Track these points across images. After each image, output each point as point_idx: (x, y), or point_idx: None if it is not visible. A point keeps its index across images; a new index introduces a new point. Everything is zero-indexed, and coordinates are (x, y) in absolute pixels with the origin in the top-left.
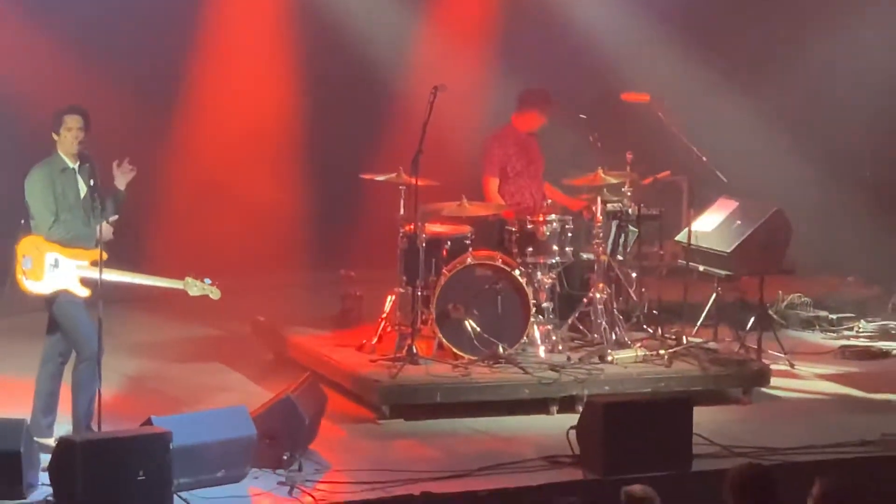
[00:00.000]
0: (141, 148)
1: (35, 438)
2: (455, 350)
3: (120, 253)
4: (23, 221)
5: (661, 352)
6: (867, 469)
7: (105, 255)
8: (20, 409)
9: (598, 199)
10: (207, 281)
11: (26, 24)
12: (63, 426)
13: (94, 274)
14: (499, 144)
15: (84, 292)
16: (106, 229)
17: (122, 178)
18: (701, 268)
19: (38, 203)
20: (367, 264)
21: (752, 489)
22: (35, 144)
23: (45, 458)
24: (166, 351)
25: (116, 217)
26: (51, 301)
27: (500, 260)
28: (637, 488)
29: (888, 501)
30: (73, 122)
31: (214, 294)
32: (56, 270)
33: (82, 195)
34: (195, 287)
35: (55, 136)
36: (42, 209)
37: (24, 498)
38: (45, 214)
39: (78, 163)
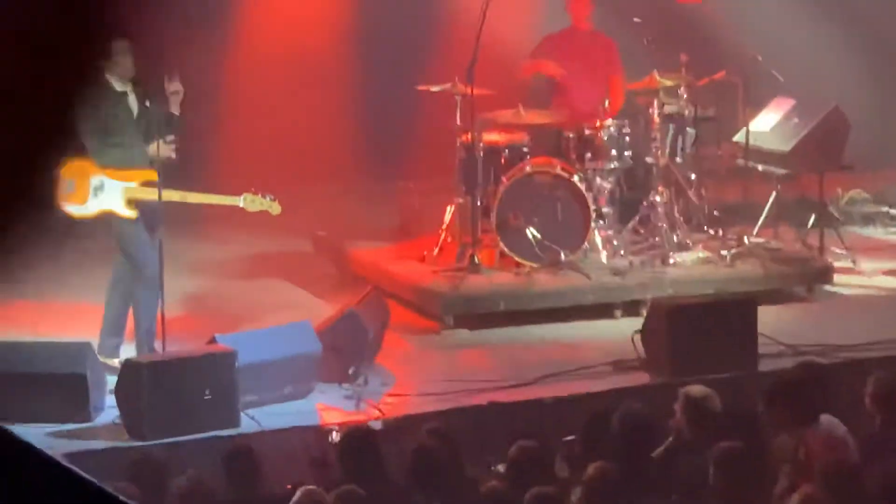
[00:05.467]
0: (191, 65)
1: (101, 359)
2: (517, 258)
3: (175, 171)
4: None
5: (723, 252)
6: None
7: (156, 175)
8: (86, 334)
9: (655, 102)
10: (269, 197)
11: None
12: (128, 347)
13: (143, 194)
14: (549, 41)
15: (130, 213)
16: (165, 149)
17: (173, 101)
18: (760, 167)
19: (85, 131)
20: (423, 175)
21: (782, 398)
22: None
23: (112, 380)
24: (227, 269)
25: (173, 137)
26: (106, 223)
27: (559, 166)
28: (696, 388)
29: None
30: (122, 46)
31: (274, 209)
32: (101, 193)
33: (135, 116)
34: (254, 203)
35: (104, 63)
36: (89, 136)
37: (92, 420)
38: (93, 141)
39: (130, 85)
